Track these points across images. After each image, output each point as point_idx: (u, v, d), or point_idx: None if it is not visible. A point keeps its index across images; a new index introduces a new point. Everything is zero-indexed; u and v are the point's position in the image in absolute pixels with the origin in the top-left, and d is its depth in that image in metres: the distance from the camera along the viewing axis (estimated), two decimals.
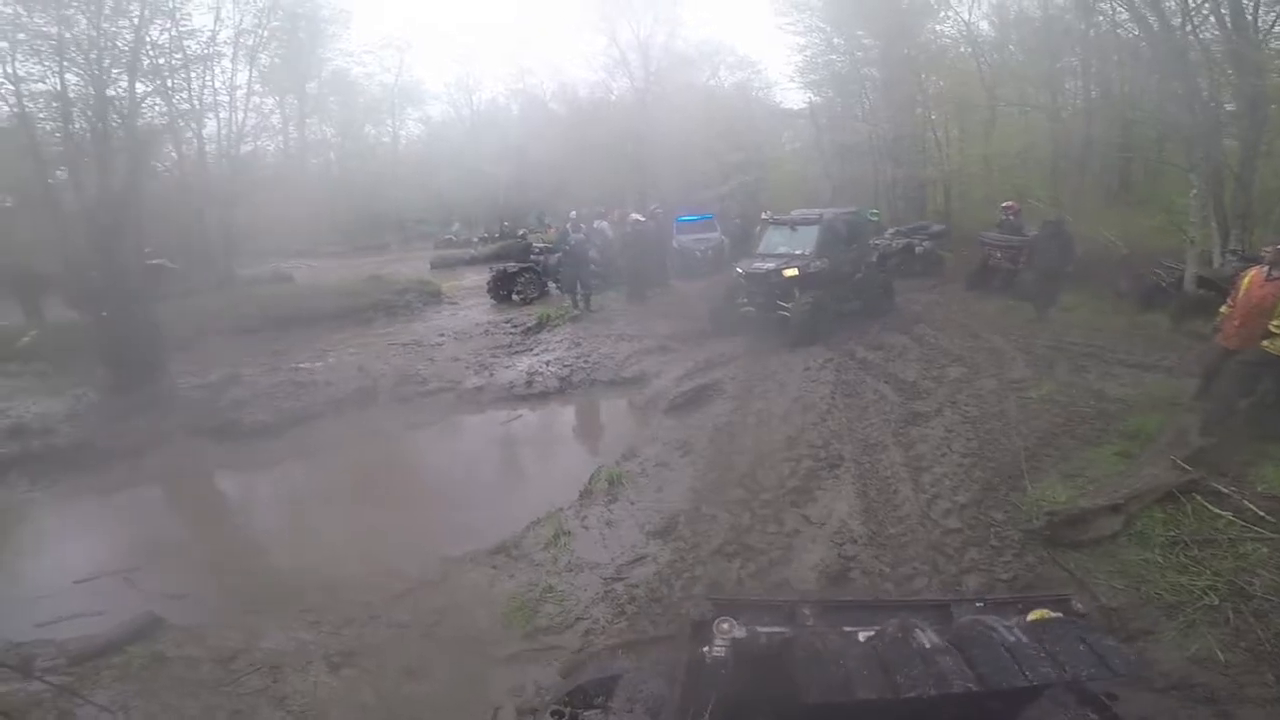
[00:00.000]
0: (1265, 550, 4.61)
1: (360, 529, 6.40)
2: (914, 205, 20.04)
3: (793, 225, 11.55)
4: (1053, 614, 2.21)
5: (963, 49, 19.58)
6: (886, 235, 15.09)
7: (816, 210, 12.03)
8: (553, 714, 3.20)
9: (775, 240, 11.60)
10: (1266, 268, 6.04)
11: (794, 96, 26.25)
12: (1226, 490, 5.25)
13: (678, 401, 8.48)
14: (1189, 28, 11.52)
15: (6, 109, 13.35)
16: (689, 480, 6.71)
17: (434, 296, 15.48)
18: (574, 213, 16.52)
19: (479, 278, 17.92)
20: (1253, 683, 3.72)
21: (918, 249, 14.64)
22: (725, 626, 2.50)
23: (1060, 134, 15.86)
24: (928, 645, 2.04)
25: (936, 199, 19.79)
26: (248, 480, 8.23)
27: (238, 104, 19.19)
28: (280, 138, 26.39)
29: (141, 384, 9.53)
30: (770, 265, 10.88)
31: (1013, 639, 2.02)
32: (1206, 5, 11.23)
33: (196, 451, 8.42)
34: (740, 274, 11.17)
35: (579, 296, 12.92)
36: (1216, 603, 4.25)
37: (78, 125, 10.44)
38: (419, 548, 5.94)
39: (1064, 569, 4.88)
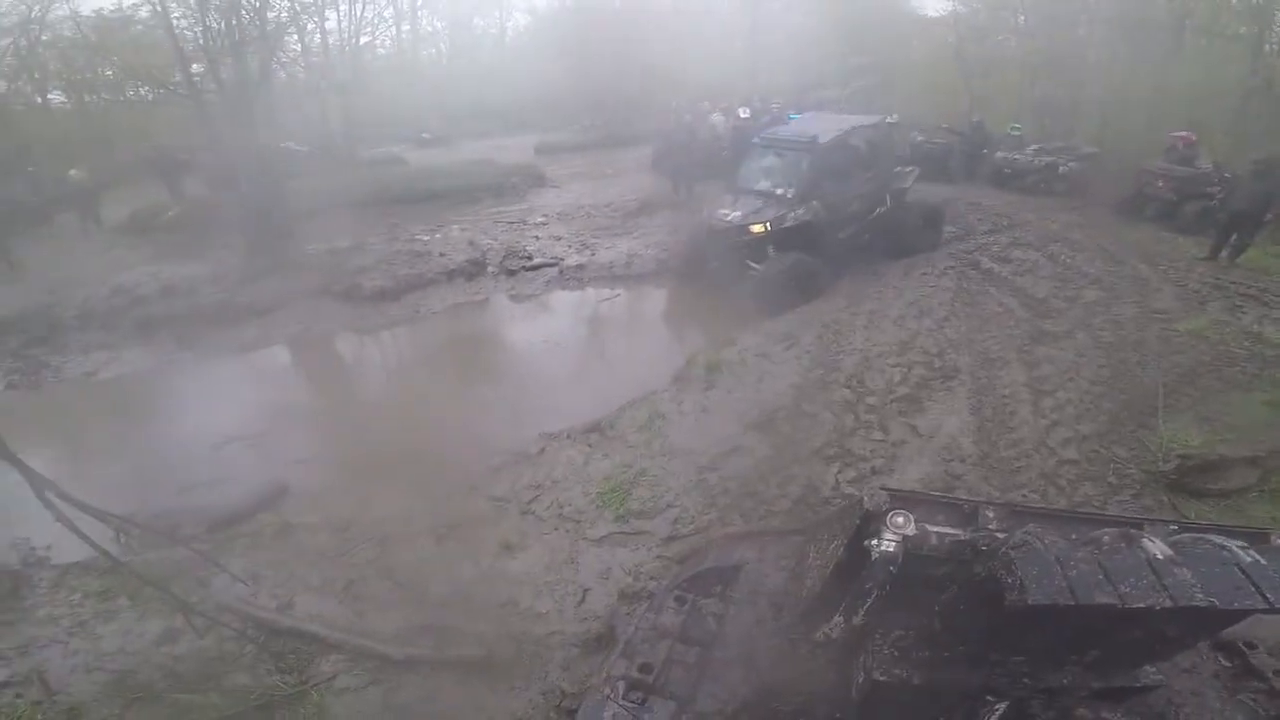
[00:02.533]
0: None
1: (464, 398, 6.65)
2: (1063, 125, 17.76)
3: (778, 149, 8.86)
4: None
5: None
6: (1028, 151, 13.69)
7: (809, 130, 8.76)
8: (676, 598, 3.31)
9: (757, 170, 8.97)
10: None
11: (933, 2, 23.21)
12: None
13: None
14: None
15: (150, 9, 14.03)
16: (791, 375, 6.42)
17: (538, 180, 15.37)
18: (674, 103, 15.66)
19: (581, 162, 17.77)
20: None
21: (1061, 168, 13.12)
22: (900, 520, 2.31)
23: (1262, 69, 13.85)
24: (1159, 556, 1.89)
25: (1089, 121, 17.28)
26: (365, 344, 8.70)
27: None
28: (394, 30, 26.74)
29: (273, 250, 10.29)
30: (738, 215, 8.46)
31: (1248, 560, 1.81)
32: None
33: (322, 312, 9.01)
34: (706, 225, 8.82)
35: (682, 184, 12.38)
36: None
37: (214, 22, 10.79)
38: (518, 420, 6.10)
39: (1183, 516, 4.41)
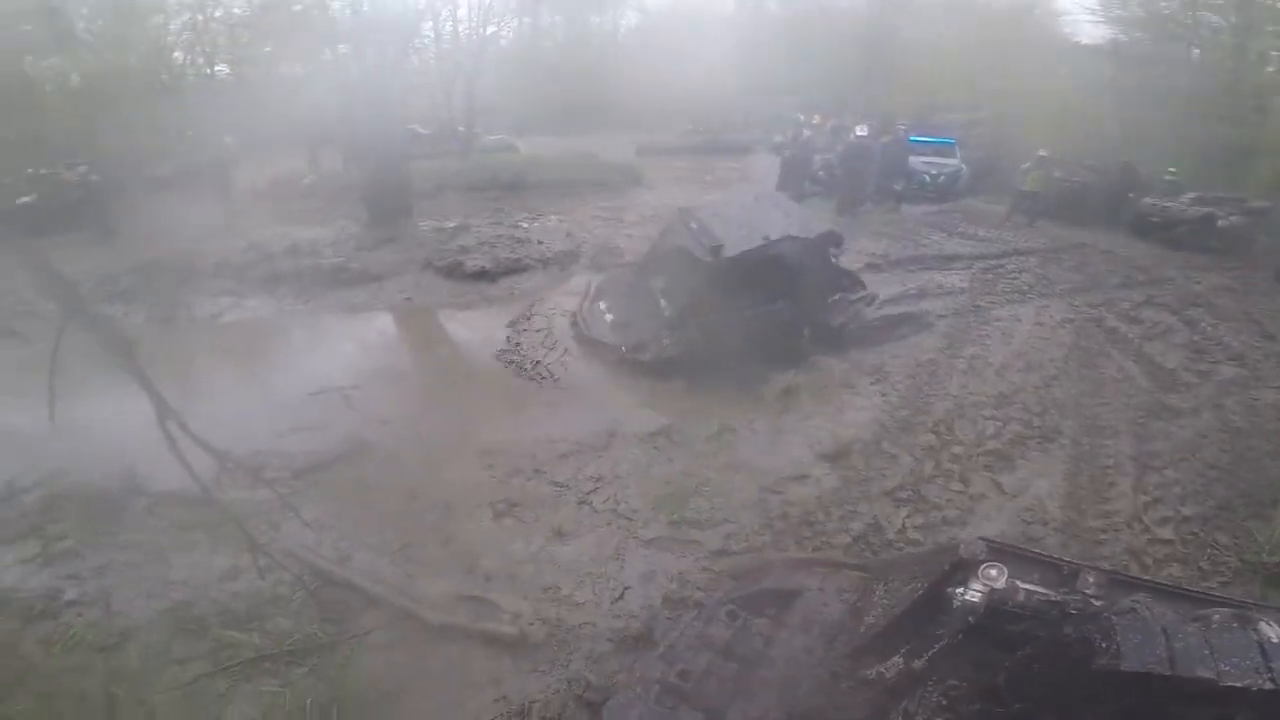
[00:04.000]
0: None
1: (542, 382, 6.79)
2: (1231, 174, 15.75)
3: (676, 251, 7.34)
4: None
5: None
6: (1183, 199, 12.32)
7: (718, 234, 6.87)
8: (728, 612, 3.25)
9: (657, 262, 7.76)
10: None
11: (1088, 30, 21.48)
12: None
13: (875, 323, 7.71)
14: None
15: None
16: (874, 411, 6.19)
17: (636, 179, 15.59)
18: (801, 116, 15.40)
19: (682, 165, 17.78)
20: None
21: (1220, 222, 11.69)
22: (993, 574, 2.26)
23: None
24: (1274, 640, 1.82)
25: (1264, 172, 15.30)
26: (461, 317, 8.97)
27: None
28: (515, 22, 27.92)
29: (391, 224, 11.07)
30: (609, 320, 7.48)
31: None
32: None
33: (425, 284, 9.47)
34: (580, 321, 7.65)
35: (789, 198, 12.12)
36: None
37: (362, 5, 11.72)
38: (589, 411, 6.16)
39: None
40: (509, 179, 14.53)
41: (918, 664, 2.19)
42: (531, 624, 3.91)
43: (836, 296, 7.31)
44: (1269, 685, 1.66)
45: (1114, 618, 1.89)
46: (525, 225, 11.62)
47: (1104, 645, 1.82)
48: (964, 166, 14.75)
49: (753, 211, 7.61)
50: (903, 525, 4.79)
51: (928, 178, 14.25)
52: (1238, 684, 1.68)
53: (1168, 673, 1.72)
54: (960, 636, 2.12)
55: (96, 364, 3.62)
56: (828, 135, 15.61)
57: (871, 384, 6.65)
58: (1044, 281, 9.41)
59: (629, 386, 6.58)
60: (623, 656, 3.67)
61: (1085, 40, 20.86)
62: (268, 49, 22.15)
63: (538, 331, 7.81)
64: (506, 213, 12.41)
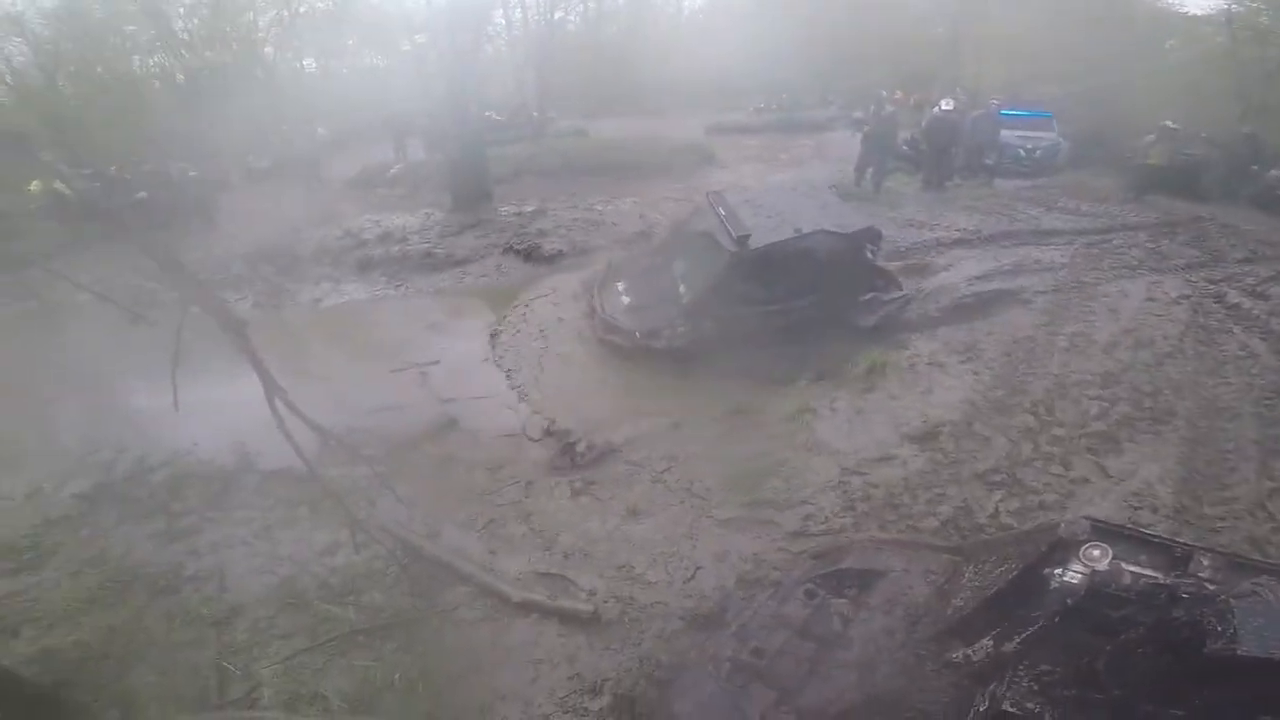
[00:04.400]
0: None
1: (608, 365, 6.86)
2: None
3: (702, 235, 7.02)
4: None
5: None
6: None
7: (747, 224, 6.55)
8: (806, 591, 3.17)
9: (680, 246, 7.57)
10: None
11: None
12: None
13: (966, 300, 7.32)
14: None
15: None
16: (966, 390, 5.87)
17: (707, 158, 15.36)
18: (882, 92, 14.82)
19: (754, 143, 17.40)
20: None
21: None
22: (1095, 554, 2.17)
23: None
24: None
25: None
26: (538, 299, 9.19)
27: None
28: (581, 6, 28.07)
29: (472, 209, 11.51)
30: (624, 303, 7.24)
31: None
32: None
33: (505, 267, 9.78)
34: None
35: (870, 174, 11.66)
36: None
37: None
38: (659, 388, 6.16)
39: None
40: (582, 163, 14.66)
41: (1008, 647, 2.09)
42: (606, 602, 4.01)
43: (869, 296, 6.80)
44: None
45: (1231, 601, 1.77)
46: (599, 208, 11.71)
47: (1219, 629, 1.70)
48: (1062, 140, 13.94)
49: (788, 202, 7.22)
50: (995, 509, 4.55)
51: (1022, 152, 13.55)
52: None
53: None
54: (1057, 619, 2.01)
55: (214, 348, 3.91)
56: (911, 111, 14.95)
57: (962, 362, 6.31)
58: (1156, 256, 8.63)
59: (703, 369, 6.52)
60: (693, 635, 3.68)
61: (1194, 10, 19.09)
62: (350, 41, 23.20)
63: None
64: (581, 196, 12.53)
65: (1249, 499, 4.54)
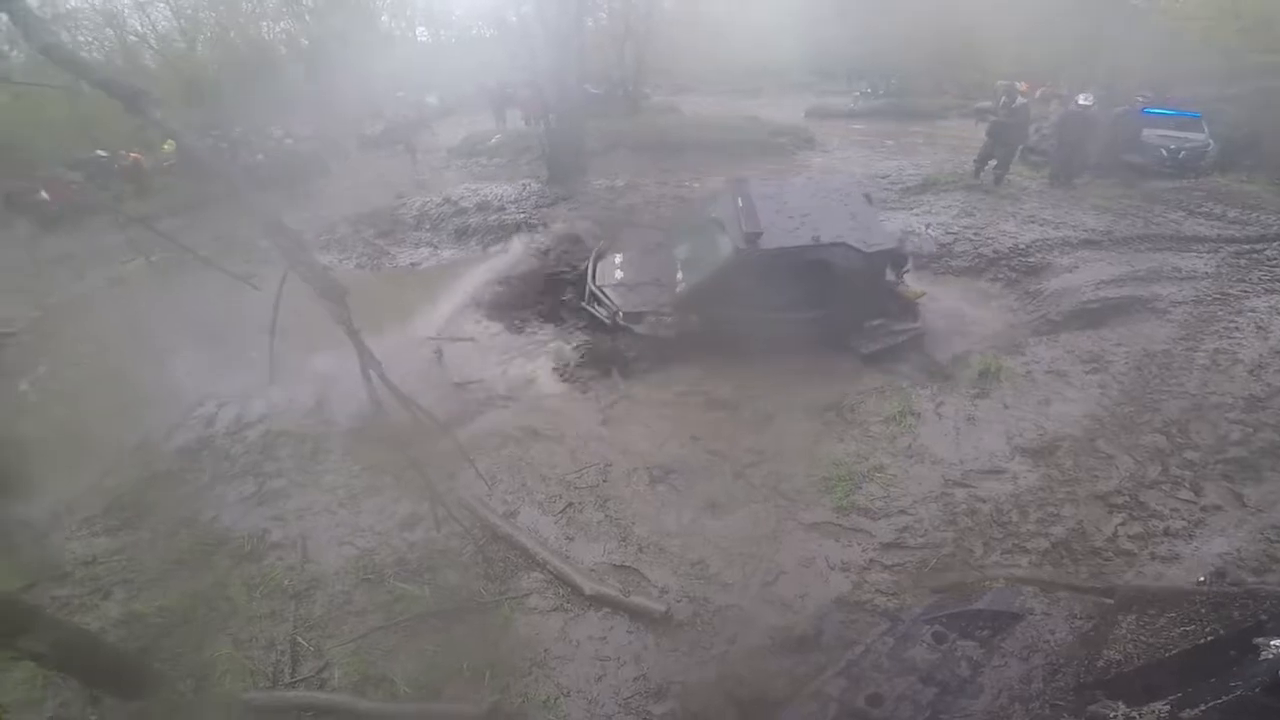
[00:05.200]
0: None
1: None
2: None
3: (716, 221, 6.57)
4: None
5: None
6: None
7: (761, 220, 6.04)
8: (935, 634, 2.85)
9: (689, 228, 7.22)
10: None
11: None
12: None
13: (1091, 305, 6.73)
14: None
15: None
16: (1090, 403, 5.40)
17: (807, 142, 14.80)
18: (1001, 82, 13.82)
19: (859, 128, 16.67)
20: None
21: None
22: None
23: None
24: None
25: None
26: None
27: None
28: None
29: (567, 182, 11.58)
30: (619, 277, 6.85)
31: None
32: None
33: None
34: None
35: (990, 166, 10.86)
36: None
37: None
38: (750, 381, 5.89)
39: None
40: (676, 139, 14.44)
41: (1189, 714, 1.83)
42: (678, 601, 3.88)
43: (877, 322, 6.24)
44: None
45: None
46: (690, 185, 11.49)
47: None
48: (1211, 142, 12.56)
49: (818, 203, 6.54)
50: (1114, 533, 4.18)
51: (1164, 152, 12.33)
52: None
53: None
54: (1258, 690, 1.74)
55: (314, 311, 3.85)
56: (1037, 104, 13.89)
57: (1088, 373, 5.80)
58: None
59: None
60: (782, 657, 3.47)
61: None
62: (459, 12, 23.79)
63: None
64: (672, 173, 12.33)
65: None
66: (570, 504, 4.71)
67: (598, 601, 3.90)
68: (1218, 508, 4.40)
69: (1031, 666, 2.55)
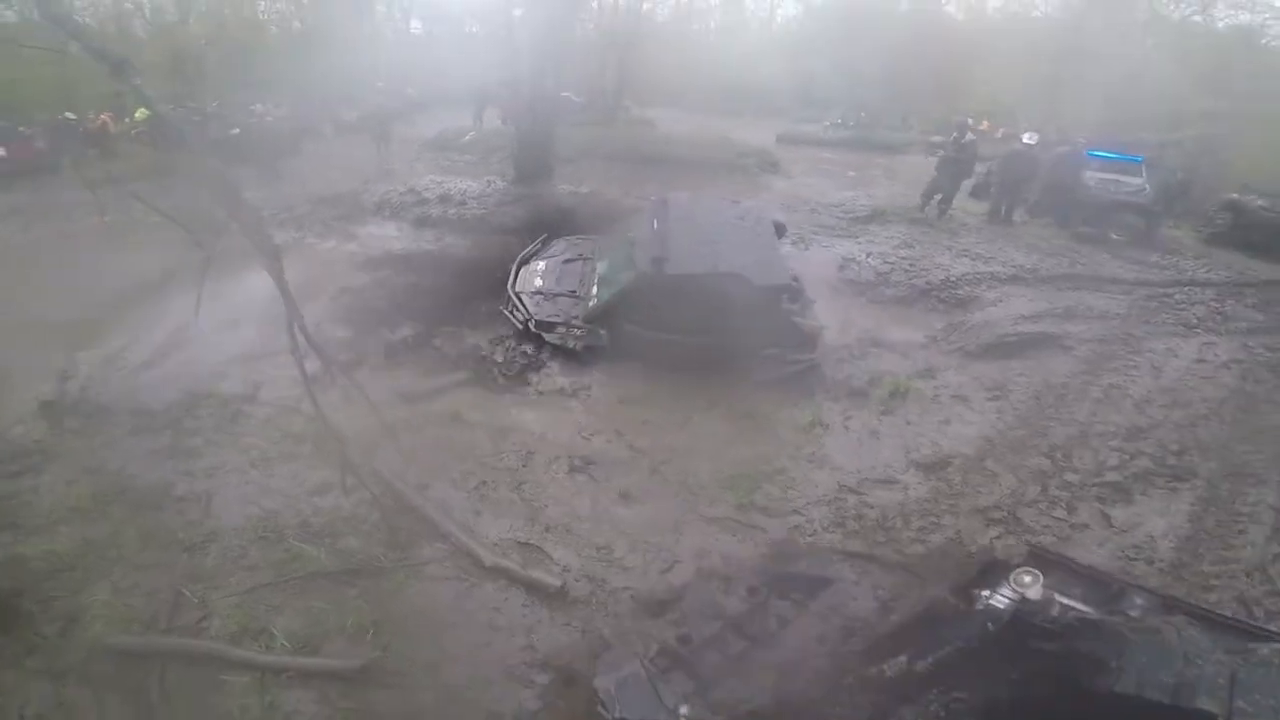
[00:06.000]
0: None
1: None
2: None
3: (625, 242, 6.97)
4: None
5: None
6: None
7: (667, 247, 6.34)
8: (749, 589, 3.26)
9: (610, 245, 7.47)
10: None
11: None
12: None
13: (1008, 339, 7.16)
14: None
15: None
16: (985, 426, 5.80)
17: (771, 166, 15.23)
18: (957, 118, 14.57)
19: (825, 156, 17.22)
20: None
21: None
22: (1026, 580, 2.13)
23: None
24: None
25: None
26: None
27: None
28: (674, 1, 28.29)
29: (532, 183, 11.73)
30: (537, 285, 7.12)
31: None
32: None
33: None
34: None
35: (936, 201, 11.36)
36: None
37: None
38: (675, 389, 6.10)
39: None
40: (647, 152, 14.77)
41: (920, 666, 2.07)
42: (578, 580, 4.02)
43: (771, 351, 6.36)
44: None
45: (1130, 634, 1.74)
46: (652, 199, 11.75)
47: (1110, 663, 1.68)
48: (1148, 187, 13.24)
49: (730, 230, 6.88)
50: (990, 545, 4.46)
51: (1105, 196, 12.97)
52: None
53: (1166, 700, 1.58)
54: (975, 643, 1.98)
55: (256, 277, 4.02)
56: (996, 142, 14.60)
57: (988, 399, 6.20)
58: (1217, 316, 8.17)
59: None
60: (642, 619, 3.69)
61: None
62: (455, 9, 23.97)
63: None
64: (637, 184, 12.61)
65: (1250, 561, 4.42)
66: (484, 482, 4.84)
67: (496, 573, 3.98)
68: (1086, 525, 4.76)
69: (829, 627, 2.87)
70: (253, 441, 5.07)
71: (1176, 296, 8.69)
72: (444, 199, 10.96)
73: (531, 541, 4.34)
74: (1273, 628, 2.68)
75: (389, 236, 9.92)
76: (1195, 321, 8.01)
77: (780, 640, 2.91)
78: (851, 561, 3.56)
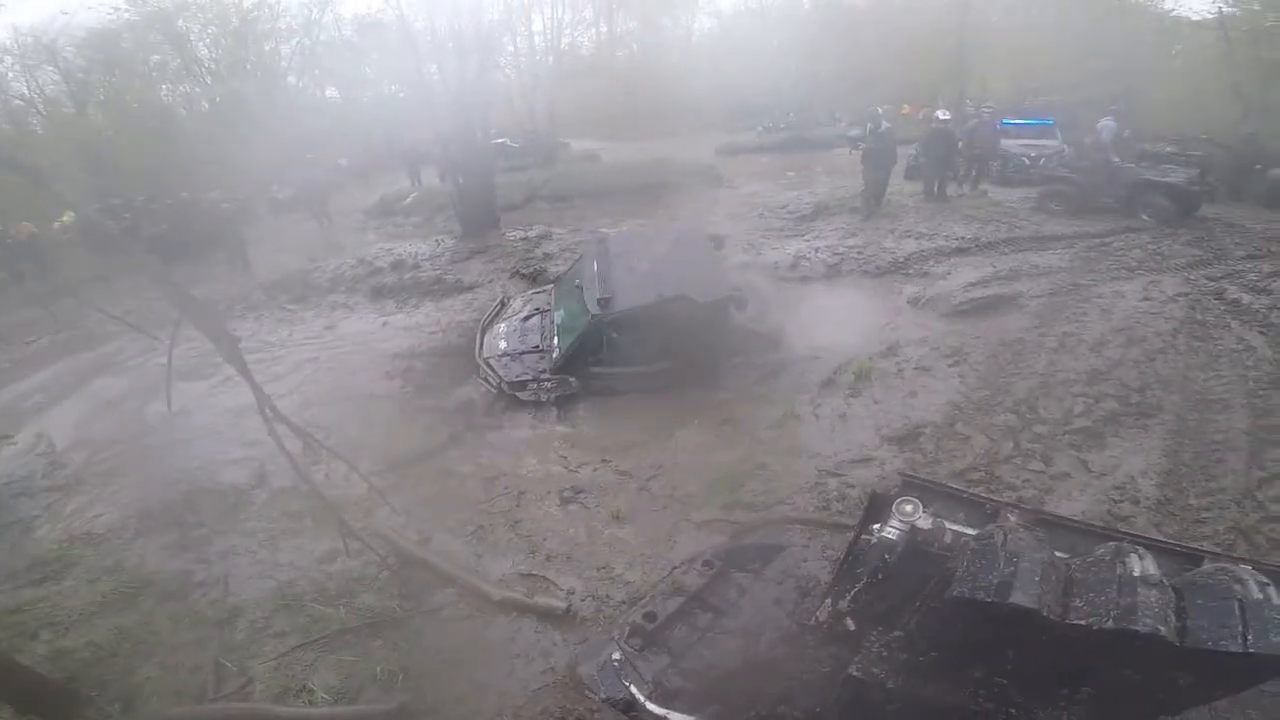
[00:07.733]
0: None
1: None
2: None
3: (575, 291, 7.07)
4: None
5: None
6: None
7: (611, 287, 6.54)
8: (704, 564, 3.44)
9: (563, 293, 7.57)
10: None
11: (1195, 4, 19.93)
12: None
13: (962, 307, 7.41)
14: None
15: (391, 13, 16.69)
16: (950, 392, 5.97)
17: (715, 179, 15.60)
18: (879, 109, 15.11)
19: (763, 162, 17.75)
20: None
21: None
22: (908, 509, 2.23)
23: None
24: (1135, 574, 1.65)
25: None
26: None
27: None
28: (593, 32, 29.02)
29: (481, 235, 11.84)
30: (501, 347, 7.16)
31: (1257, 598, 1.51)
32: None
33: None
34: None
35: (883, 199, 11.67)
36: None
37: (440, 23, 12.48)
38: (653, 411, 6.23)
39: None
40: (592, 187, 15.02)
41: (842, 606, 2.18)
42: (583, 600, 4.18)
43: (737, 359, 6.62)
44: (1109, 625, 1.52)
45: (972, 547, 1.81)
46: (604, 231, 11.94)
47: (960, 574, 1.78)
48: (1066, 147, 13.90)
49: (668, 254, 7.06)
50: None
51: (1026, 160, 13.57)
52: (1078, 621, 1.58)
53: (989, 599, 1.66)
54: (879, 576, 2.06)
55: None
56: (920, 124, 15.20)
57: (949, 366, 6.38)
58: (1156, 257, 8.57)
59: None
60: (628, 610, 3.89)
61: (1195, 16, 19.51)
62: (370, 71, 24.05)
63: None
64: (588, 220, 12.84)
65: (1236, 489, 4.56)
66: (482, 526, 4.97)
67: (506, 606, 4.17)
68: (1066, 475, 4.91)
69: (784, 590, 3.13)
70: (256, 525, 5.21)
71: (1115, 244, 9.07)
72: (396, 265, 10.99)
73: (534, 572, 4.47)
74: (1205, 546, 2.85)
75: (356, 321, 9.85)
76: (1135, 264, 8.38)
77: (740, 607, 3.13)
78: (800, 528, 3.79)
